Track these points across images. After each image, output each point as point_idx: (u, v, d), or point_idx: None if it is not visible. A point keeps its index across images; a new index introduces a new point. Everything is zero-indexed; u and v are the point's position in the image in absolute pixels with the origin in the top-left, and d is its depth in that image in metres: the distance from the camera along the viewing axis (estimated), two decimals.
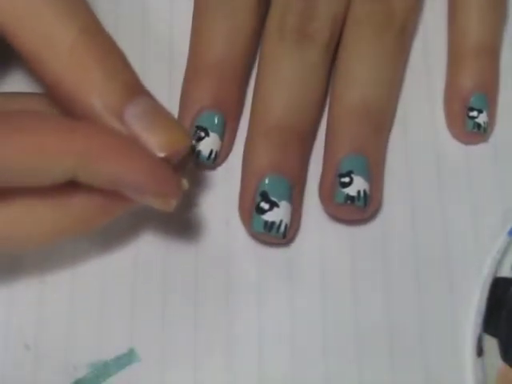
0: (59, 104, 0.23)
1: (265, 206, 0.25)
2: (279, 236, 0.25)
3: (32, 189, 0.21)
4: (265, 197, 0.25)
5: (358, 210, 0.26)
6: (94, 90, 0.21)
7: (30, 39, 0.21)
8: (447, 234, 0.27)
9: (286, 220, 0.25)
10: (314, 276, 0.27)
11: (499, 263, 0.26)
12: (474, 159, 0.28)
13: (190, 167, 0.25)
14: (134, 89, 0.22)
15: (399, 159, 0.28)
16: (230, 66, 0.27)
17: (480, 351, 0.25)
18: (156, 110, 0.22)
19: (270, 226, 0.25)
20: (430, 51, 0.30)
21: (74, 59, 0.21)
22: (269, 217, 0.25)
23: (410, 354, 0.26)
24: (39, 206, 0.22)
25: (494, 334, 0.25)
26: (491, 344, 0.25)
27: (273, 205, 0.25)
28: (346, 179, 0.26)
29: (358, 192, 0.25)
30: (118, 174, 0.21)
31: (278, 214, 0.25)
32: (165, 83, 0.29)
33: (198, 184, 0.28)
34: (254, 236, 0.26)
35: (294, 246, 0.27)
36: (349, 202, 0.25)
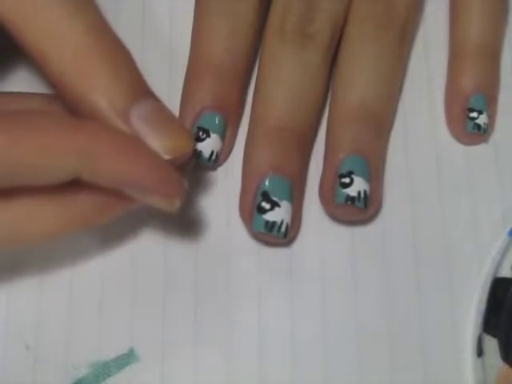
0: (65, 103, 0.23)
1: (266, 205, 0.25)
2: (280, 236, 0.25)
3: (37, 187, 0.21)
4: (266, 197, 0.25)
5: (358, 211, 0.26)
6: (99, 89, 0.21)
7: (37, 37, 0.21)
8: (447, 234, 0.27)
9: (287, 220, 0.25)
10: (314, 276, 0.27)
11: (499, 263, 0.26)
12: (474, 159, 0.28)
13: (191, 167, 0.25)
14: (140, 90, 0.22)
15: (399, 159, 0.28)
16: (231, 66, 0.27)
17: (480, 351, 0.25)
18: (161, 112, 0.22)
19: (271, 225, 0.25)
20: (430, 51, 0.30)
21: (80, 58, 0.21)
22: (270, 216, 0.25)
23: (410, 354, 0.26)
24: (44, 204, 0.22)
25: (494, 334, 0.25)
26: (491, 344, 0.25)
27: (274, 205, 0.25)
28: (347, 180, 0.26)
29: (359, 193, 0.25)
30: (122, 173, 0.21)
31: (279, 214, 0.25)
32: (165, 83, 0.29)
33: (198, 184, 0.28)
34: (255, 236, 0.26)
35: (295, 245, 0.27)
36: (349, 202, 0.25)
